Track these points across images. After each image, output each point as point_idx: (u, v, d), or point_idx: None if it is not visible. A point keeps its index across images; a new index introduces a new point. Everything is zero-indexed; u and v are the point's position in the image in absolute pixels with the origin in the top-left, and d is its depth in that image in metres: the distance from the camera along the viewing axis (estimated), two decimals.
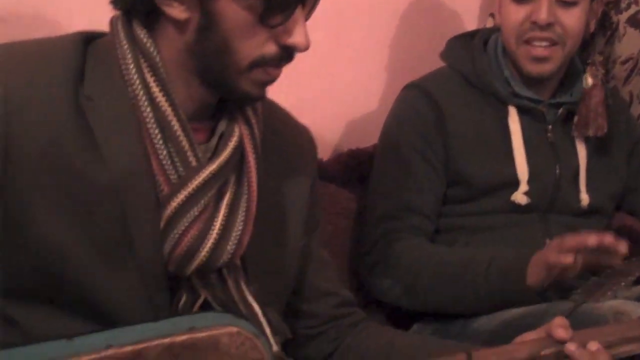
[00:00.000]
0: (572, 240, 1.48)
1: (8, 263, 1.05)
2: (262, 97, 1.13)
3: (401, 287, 1.73)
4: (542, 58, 1.76)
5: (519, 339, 1.16)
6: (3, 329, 1.05)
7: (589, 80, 1.81)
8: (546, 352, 1.11)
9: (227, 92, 1.10)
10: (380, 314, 1.83)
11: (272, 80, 1.10)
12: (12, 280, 1.05)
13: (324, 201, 1.67)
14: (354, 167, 1.95)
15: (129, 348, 0.98)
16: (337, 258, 1.74)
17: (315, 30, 1.09)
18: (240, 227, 1.09)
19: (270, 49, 1.06)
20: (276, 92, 1.15)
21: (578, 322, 1.16)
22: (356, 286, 1.81)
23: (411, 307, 1.76)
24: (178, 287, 1.09)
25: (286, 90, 1.18)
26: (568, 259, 1.47)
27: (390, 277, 1.74)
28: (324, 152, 1.95)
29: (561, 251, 1.49)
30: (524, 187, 1.77)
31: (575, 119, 1.82)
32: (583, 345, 1.11)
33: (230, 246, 1.08)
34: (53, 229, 1.03)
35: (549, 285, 1.56)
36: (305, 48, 1.07)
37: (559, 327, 1.12)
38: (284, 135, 1.26)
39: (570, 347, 1.11)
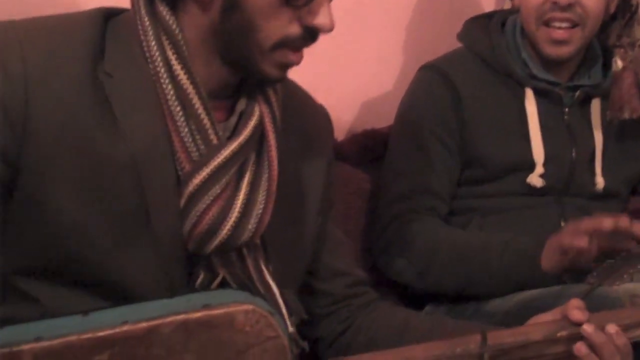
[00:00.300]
0: (587, 223, 1.48)
1: (26, 240, 1.05)
2: (283, 79, 1.12)
3: (415, 268, 1.72)
4: (562, 41, 1.75)
5: (533, 320, 1.16)
6: (23, 306, 1.06)
7: (619, 63, 1.80)
8: (562, 333, 1.11)
9: (249, 72, 1.10)
10: (393, 294, 1.82)
11: (293, 64, 1.09)
12: (29, 258, 1.06)
13: (338, 181, 1.68)
14: (369, 148, 1.94)
15: (143, 324, 0.98)
16: (351, 238, 1.73)
17: (332, 10, 1.08)
18: (261, 206, 1.09)
19: (294, 29, 1.06)
20: (292, 72, 1.14)
21: (593, 305, 1.16)
22: (369, 266, 1.81)
23: (424, 288, 1.75)
24: (196, 265, 1.09)
25: (302, 71, 1.18)
26: (583, 242, 1.46)
27: (403, 258, 1.73)
28: (339, 132, 1.94)
29: (576, 234, 1.48)
30: (539, 169, 1.77)
31: (595, 102, 1.81)
32: (600, 327, 1.10)
33: (251, 225, 1.08)
34: (70, 205, 1.03)
35: (563, 270, 1.56)
36: (330, 29, 1.06)
37: (575, 308, 1.12)
38: (302, 115, 1.26)
39: (588, 329, 1.11)
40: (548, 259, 1.57)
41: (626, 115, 1.80)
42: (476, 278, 1.67)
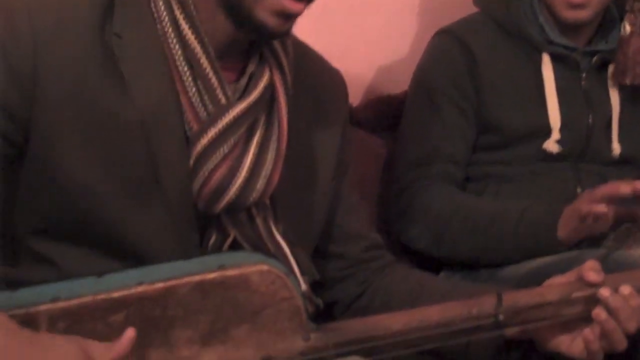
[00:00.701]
0: (604, 189, 1.47)
1: (38, 201, 1.06)
2: (282, 31, 1.08)
3: (430, 234, 1.72)
4: (579, 4, 1.72)
5: (548, 282, 1.16)
6: (38, 268, 1.06)
7: (627, 28, 1.77)
8: (577, 294, 1.11)
9: (245, 22, 1.06)
10: (408, 260, 1.82)
11: (290, 12, 1.04)
12: (43, 219, 1.06)
13: (353, 146, 1.67)
14: (384, 113, 1.93)
15: (159, 285, 0.99)
16: (365, 203, 1.72)
17: None
18: (270, 166, 1.09)
19: None
20: (307, 38, 1.13)
21: (610, 270, 1.15)
22: (384, 233, 1.81)
23: (439, 255, 1.75)
24: (208, 226, 1.09)
25: (317, 36, 1.17)
26: (601, 207, 1.45)
27: (419, 225, 1.73)
28: (354, 98, 1.92)
29: (593, 201, 1.47)
30: (555, 135, 1.75)
31: (611, 67, 1.80)
32: (615, 289, 1.10)
33: (260, 184, 1.08)
34: (79, 167, 1.04)
35: (580, 239, 1.56)
36: None
37: (591, 270, 1.12)
38: (316, 78, 1.25)
39: (604, 293, 1.10)
40: (565, 228, 1.56)
41: (628, 81, 1.78)
42: (491, 246, 1.66)
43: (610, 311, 1.11)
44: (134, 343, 0.95)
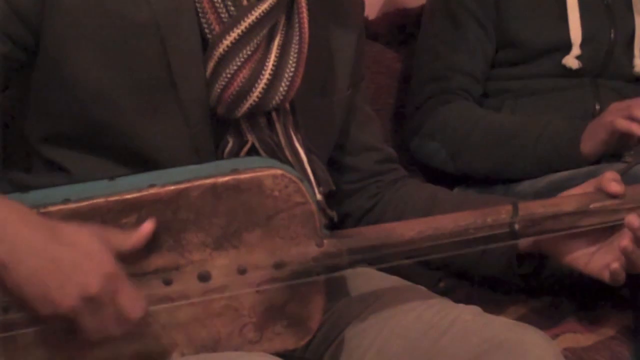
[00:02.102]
0: (633, 104, 1.45)
1: (51, 106, 1.05)
2: None
3: (447, 149, 1.71)
4: None
5: (565, 193, 1.14)
6: (51, 175, 1.06)
7: None
8: (596, 205, 1.09)
9: None
10: (420, 176, 1.82)
11: None
12: (56, 125, 1.06)
13: (368, 59, 1.65)
14: (400, 27, 1.91)
15: (171, 187, 0.97)
16: (380, 118, 1.70)
17: None
18: (292, 69, 1.07)
19: None
20: None
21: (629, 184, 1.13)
22: (397, 148, 1.79)
23: (456, 171, 1.73)
24: (224, 132, 1.08)
25: None
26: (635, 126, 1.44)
27: (436, 140, 1.71)
28: (370, 11, 1.90)
29: (630, 118, 1.45)
30: (576, 50, 1.72)
31: None
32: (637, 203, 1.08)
33: (282, 87, 1.06)
34: (92, 71, 1.02)
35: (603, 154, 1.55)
36: None
37: (612, 180, 1.10)
38: None
39: (634, 223, 1.07)
40: (589, 141, 1.55)
41: None
42: (510, 160, 1.64)
43: (638, 240, 1.08)
44: (151, 234, 0.95)
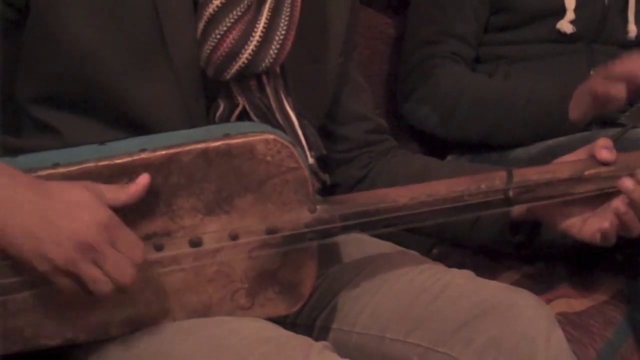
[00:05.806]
0: (619, 67, 1.43)
1: (42, 68, 1.04)
2: None
3: (439, 114, 1.70)
4: None
5: (559, 160, 1.13)
6: (43, 137, 1.05)
7: None
8: (590, 172, 1.08)
9: None
10: (413, 143, 1.81)
11: None
12: (47, 86, 1.05)
13: (361, 25, 1.64)
14: None
15: (162, 152, 0.96)
16: (373, 85, 1.71)
17: None
18: (283, 32, 1.05)
19: None
20: None
21: (624, 148, 1.12)
22: (390, 114, 1.78)
23: (448, 135, 1.73)
24: (215, 95, 1.07)
25: None
26: (617, 88, 1.42)
27: (428, 104, 1.71)
28: None
29: (609, 80, 1.44)
30: (570, 15, 1.71)
31: None
32: (629, 170, 1.07)
33: (272, 50, 1.05)
34: (83, 31, 1.01)
35: (591, 120, 1.53)
36: None
37: (604, 148, 1.09)
38: None
39: (628, 185, 1.07)
40: (576, 108, 1.54)
41: None
42: (500, 125, 1.64)
43: (632, 202, 1.08)
44: (147, 189, 0.94)
